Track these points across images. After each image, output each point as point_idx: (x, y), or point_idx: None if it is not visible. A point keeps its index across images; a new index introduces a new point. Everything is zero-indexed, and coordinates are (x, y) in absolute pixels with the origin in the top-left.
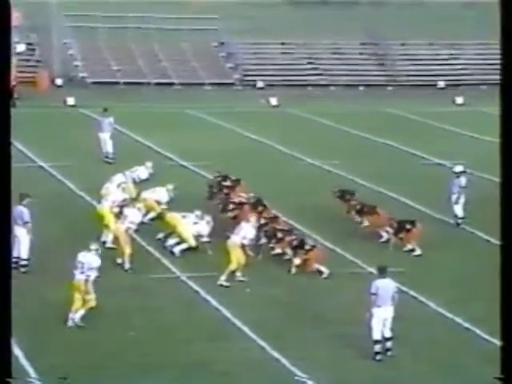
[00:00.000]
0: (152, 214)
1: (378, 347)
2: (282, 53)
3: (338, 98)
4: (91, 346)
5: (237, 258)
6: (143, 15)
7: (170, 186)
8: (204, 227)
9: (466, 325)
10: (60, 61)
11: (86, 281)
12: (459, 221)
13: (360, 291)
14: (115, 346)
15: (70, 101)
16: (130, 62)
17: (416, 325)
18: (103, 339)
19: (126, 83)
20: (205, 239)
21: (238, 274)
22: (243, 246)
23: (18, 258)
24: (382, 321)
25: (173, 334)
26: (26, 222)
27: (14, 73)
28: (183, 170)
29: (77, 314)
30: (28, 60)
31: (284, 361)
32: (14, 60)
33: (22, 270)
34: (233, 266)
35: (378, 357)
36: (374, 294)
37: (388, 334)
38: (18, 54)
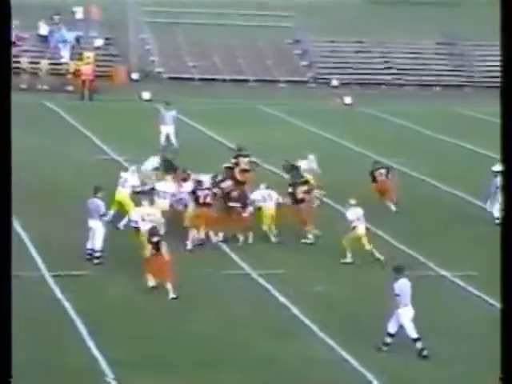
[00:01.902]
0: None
1: (419, 345)
2: (358, 51)
3: (412, 98)
4: (159, 339)
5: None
6: (220, 12)
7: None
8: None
9: None
10: (137, 56)
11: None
12: (496, 221)
13: (430, 293)
14: (182, 340)
15: (146, 95)
16: (206, 59)
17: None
18: (171, 333)
19: (201, 79)
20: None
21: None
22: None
23: (92, 249)
24: (410, 320)
25: (240, 331)
26: (102, 215)
27: (91, 67)
28: (254, 166)
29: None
30: (106, 54)
31: (353, 361)
32: (91, 54)
33: (96, 261)
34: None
35: (425, 352)
36: (398, 294)
37: (415, 335)
38: (96, 48)
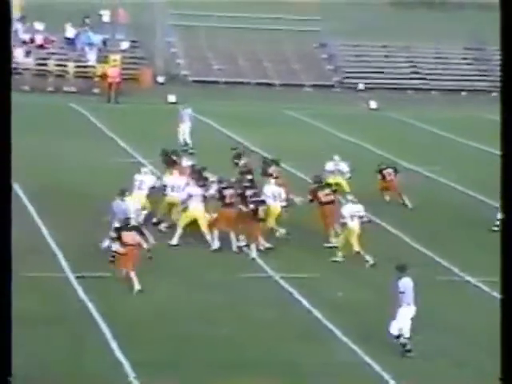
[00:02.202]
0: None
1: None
2: (384, 56)
3: (438, 103)
4: (182, 341)
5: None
6: (246, 15)
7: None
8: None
9: None
10: (163, 59)
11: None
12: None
13: (456, 299)
14: (205, 342)
15: (171, 98)
16: (232, 62)
17: None
18: (194, 335)
19: (226, 82)
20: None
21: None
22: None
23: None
24: (410, 319)
25: (263, 333)
26: (127, 218)
27: (118, 70)
28: (279, 170)
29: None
30: (132, 57)
31: (375, 365)
32: (118, 57)
33: None
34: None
35: (409, 353)
36: (403, 292)
37: (407, 334)
38: (123, 51)
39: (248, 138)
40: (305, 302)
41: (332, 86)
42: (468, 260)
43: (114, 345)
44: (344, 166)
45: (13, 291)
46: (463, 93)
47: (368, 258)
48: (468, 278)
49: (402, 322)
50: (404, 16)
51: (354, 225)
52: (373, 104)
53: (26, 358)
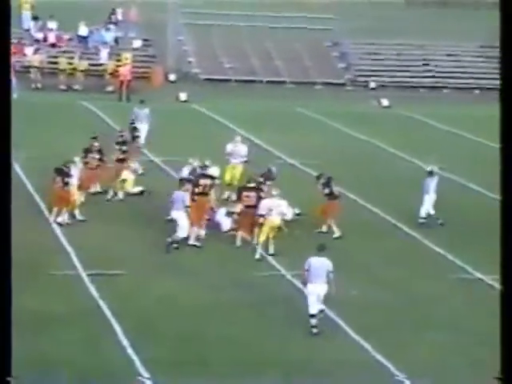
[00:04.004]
0: None
1: (313, 321)
2: (397, 53)
3: (451, 101)
4: (193, 339)
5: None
6: (257, 14)
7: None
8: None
9: None
10: (174, 57)
11: None
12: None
13: (468, 297)
14: (217, 340)
15: (183, 96)
16: (243, 60)
17: None
18: (205, 333)
19: (237, 81)
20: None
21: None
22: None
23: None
24: (315, 296)
25: (275, 332)
26: (187, 206)
27: (129, 68)
28: (291, 169)
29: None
30: (143, 55)
31: (387, 364)
32: (129, 55)
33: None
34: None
35: (314, 330)
36: (307, 270)
37: (315, 311)
38: (134, 49)
39: (259, 136)
40: None
41: (344, 84)
42: (484, 258)
43: (125, 342)
44: (242, 148)
45: (31, 290)
46: (476, 91)
47: (258, 255)
48: (479, 276)
49: (309, 299)
50: (418, 14)
51: (270, 220)
52: (385, 102)
53: (35, 355)
